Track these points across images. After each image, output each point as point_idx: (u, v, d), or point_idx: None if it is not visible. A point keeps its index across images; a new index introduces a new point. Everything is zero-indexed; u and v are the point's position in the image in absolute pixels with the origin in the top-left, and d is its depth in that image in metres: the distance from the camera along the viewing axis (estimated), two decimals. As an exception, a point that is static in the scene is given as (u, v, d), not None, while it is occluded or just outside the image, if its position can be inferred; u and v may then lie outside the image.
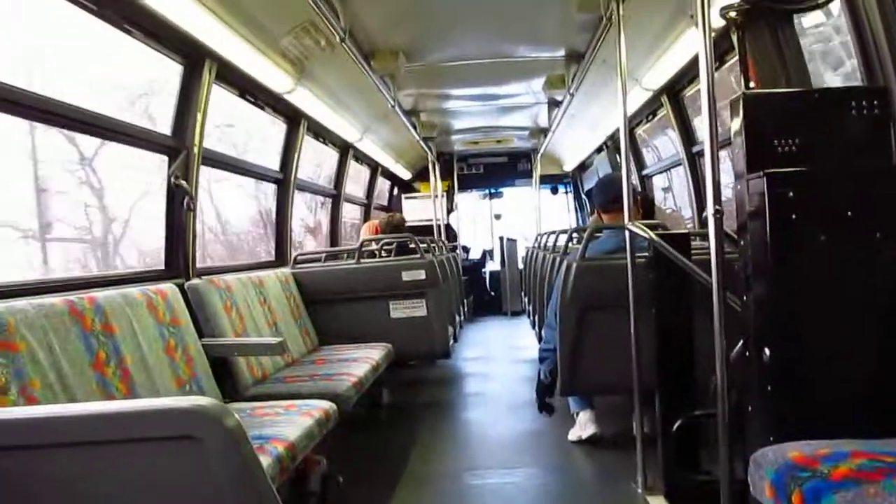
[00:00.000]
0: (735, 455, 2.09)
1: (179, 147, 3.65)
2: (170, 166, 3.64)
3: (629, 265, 3.13)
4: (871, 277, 1.83)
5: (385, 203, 10.58)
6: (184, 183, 3.61)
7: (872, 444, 1.62)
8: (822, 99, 2.02)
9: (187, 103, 3.71)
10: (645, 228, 2.85)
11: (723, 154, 3.29)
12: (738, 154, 1.94)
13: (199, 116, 3.71)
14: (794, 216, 1.79)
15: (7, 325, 2.12)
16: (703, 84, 2.08)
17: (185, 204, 3.63)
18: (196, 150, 3.70)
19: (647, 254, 2.97)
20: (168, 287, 3.18)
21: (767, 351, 1.82)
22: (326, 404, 2.99)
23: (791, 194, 1.78)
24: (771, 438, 1.76)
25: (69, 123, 2.98)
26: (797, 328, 1.82)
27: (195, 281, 3.55)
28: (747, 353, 1.96)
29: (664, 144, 6.88)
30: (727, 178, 2.46)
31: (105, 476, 1.63)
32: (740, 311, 2.03)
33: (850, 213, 1.80)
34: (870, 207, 1.81)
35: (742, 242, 1.95)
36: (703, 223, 5.22)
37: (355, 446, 4.14)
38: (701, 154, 5.36)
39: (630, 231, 3.04)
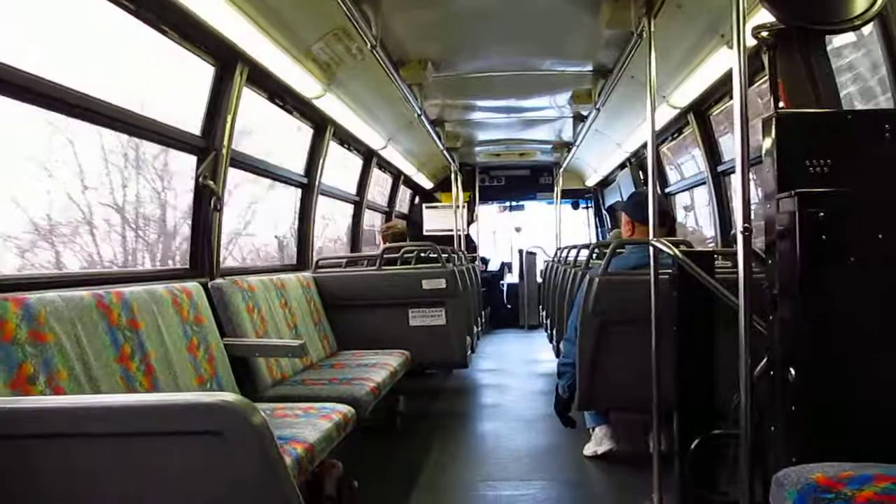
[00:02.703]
0: (755, 476, 2.08)
1: (208, 147, 3.70)
2: (198, 166, 3.69)
3: (652, 281, 3.12)
4: None
5: (406, 212, 10.62)
6: (211, 183, 3.65)
7: (897, 469, 1.60)
8: (854, 120, 2.01)
9: (217, 105, 3.76)
10: (670, 245, 2.85)
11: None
12: (769, 173, 1.94)
13: (229, 118, 3.75)
14: (823, 237, 1.78)
15: (38, 316, 2.16)
16: (735, 103, 2.08)
17: (211, 204, 3.67)
18: (225, 151, 3.74)
19: (669, 271, 2.97)
20: (193, 286, 3.21)
21: (793, 371, 1.81)
22: (345, 408, 3.00)
23: (822, 214, 1.77)
24: (794, 459, 1.75)
25: (103, 120, 3.02)
26: (823, 350, 1.81)
27: (219, 280, 3.58)
28: (771, 373, 1.95)
29: (686, 162, 6.87)
30: (752, 198, 2.45)
31: (129, 468, 1.65)
32: (764, 331, 2.02)
33: (880, 236, 1.79)
34: None
35: (770, 262, 1.95)
36: (727, 242, 5.21)
37: (371, 452, 4.15)
38: (725, 173, 5.35)
39: (654, 247, 3.04)
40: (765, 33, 2.19)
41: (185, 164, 3.84)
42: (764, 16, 2.10)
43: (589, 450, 4.03)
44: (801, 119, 1.99)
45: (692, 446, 2.73)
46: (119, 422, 1.61)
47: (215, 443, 1.55)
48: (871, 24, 2.48)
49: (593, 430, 4.05)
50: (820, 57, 2.36)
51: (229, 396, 1.57)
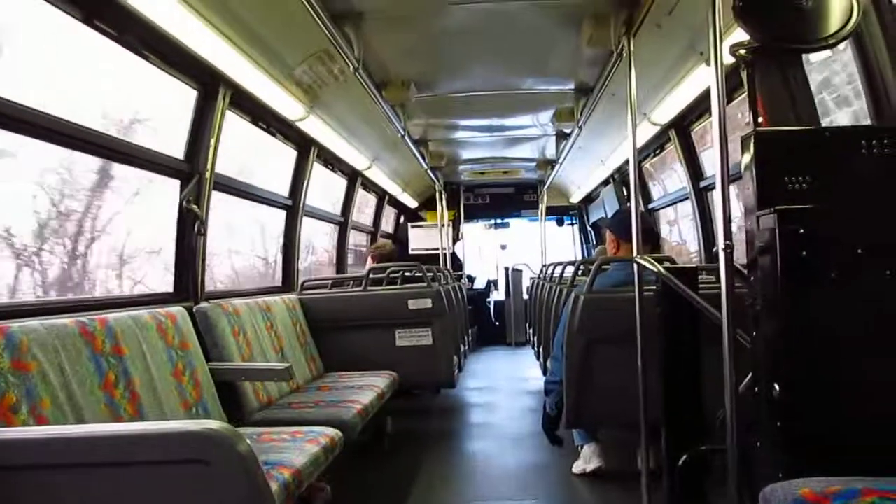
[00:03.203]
0: (742, 491, 2.08)
1: (192, 172, 3.69)
2: (181, 190, 3.68)
3: (637, 298, 3.13)
4: (881, 315, 1.83)
5: (391, 231, 10.61)
6: (195, 207, 3.64)
7: (883, 482, 1.61)
8: (832, 137, 2.04)
9: (201, 128, 3.75)
10: (653, 262, 2.86)
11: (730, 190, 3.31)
12: (749, 190, 1.96)
13: (213, 142, 3.75)
14: (804, 253, 1.80)
15: (20, 345, 2.14)
16: (714, 121, 2.11)
17: (195, 228, 3.66)
18: (208, 174, 3.74)
19: (654, 287, 2.98)
20: (177, 310, 3.19)
21: (777, 387, 1.82)
22: (332, 431, 2.98)
23: (802, 231, 1.79)
24: (780, 475, 1.76)
25: (84, 146, 3.01)
26: (807, 365, 1.82)
27: (204, 304, 3.57)
28: (756, 389, 1.96)
29: (669, 178, 6.91)
30: (735, 213, 2.47)
31: (114, 498, 1.63)
32: (749, 346, 2.04)
33: (860, 251, 1.81)
34: (880, 246, 1.82)
35: (752, 278, 1.96)
36: (711, 258, 5.24)
37: (359, 474, 4.13)
38: (708, 188, 5.40)
39: (638, 264, 3.05)
40: (742, 51, 2.21)
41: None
42: (742, 34, 2.12)
43: (578, 468, 4.03)
44: (780, 136, 2.01)
45: (680, 462, 2.73)
46: (104, 452, 1.60)
47: (201, 471, 1.54)
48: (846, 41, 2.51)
49: (581, 448, 4.04)
50: (797, 73, 2.39)
51: (214, 424, 1.56)
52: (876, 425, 1.81)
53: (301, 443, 2.75)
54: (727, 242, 2.05)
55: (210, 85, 3.73)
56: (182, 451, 1.57)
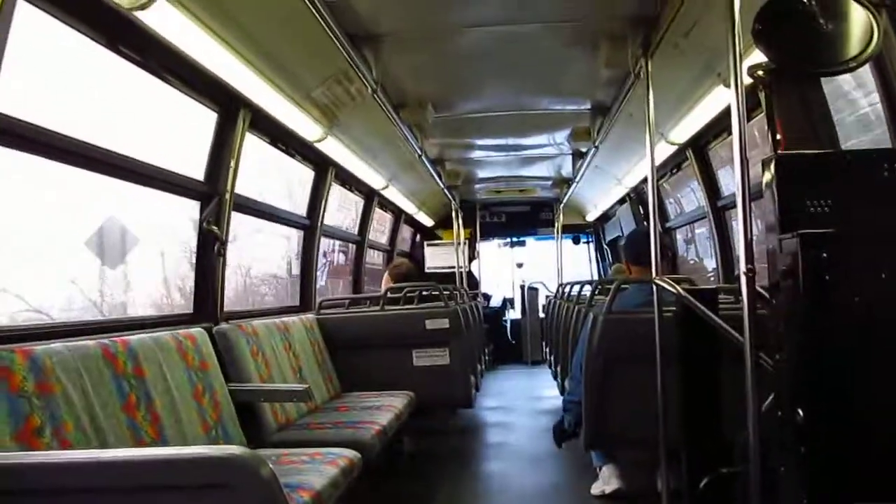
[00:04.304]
0: (765, 516, 2.07)
1: (212, 193, 3.72)
2: (202, 211, 3.71)
3: (657, 319, 3.12)
4: None
5: (408, 249, 10.63)
6: (215, 228, 3.67)
7: (908, 510, 1.60)
8: (854, 160, 2.03)
9: (221, 150, 3.79)
10: (673, 283, 2.85)
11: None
12: (771, 213, 1.95)
13: (233, 163, 3.78)
14: (827, 277, 1.79)
15: (44, 367, 2.16)
16: (735, 144, 2.11)
17: (216, 249, 3.68)
18: (228, 195, 3.77)
19: (673, 308, 2.97)
20: (197, 331, 3.21)
21: (801, 412, 1.81)
22: (351, 453, 2.98)
23: (825, 255, 1.78)
24: (805, 500, 1.74)
25: (104, 168, 3.04)
26: (832, 389, 1.81)
27: (223, 325, 3.58)
28: (780, 413, 1.94)
29: (686, 197, 6.90)
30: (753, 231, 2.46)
31: (137, 522, 1.64)
32: (772, 369, 2.02)
33: (883, 275, 1.80)
34: None
35: (774, 301, 1.95)
36: (729, 277, 5.21)
37: (376, 495, 4.11)
38: (726, 208, 5.38)
39: (657, 285, 3.05)
40: (761, 73, 2.22)
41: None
42: (760, 55, 2.13)
43: (597, 489, 4.00)
44: (801, 159, 2.01)
45: (701, 485, 2.71)
46: (126, 477, 1.61)
47: (224, 496, 1.55)
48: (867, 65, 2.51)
49: (600, 468, 4.01)
50: (817, 96, 2.39)
51: (237, 450, 1.57)
52: None
53: (320, 465, 2.75)
54: (749, 266, 2.05)
55: (230, 107, 3.77)
56: (204, 476, 1.58)
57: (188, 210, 3.91)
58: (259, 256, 6.17)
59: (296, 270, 5.90)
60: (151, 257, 4.65)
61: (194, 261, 3.79)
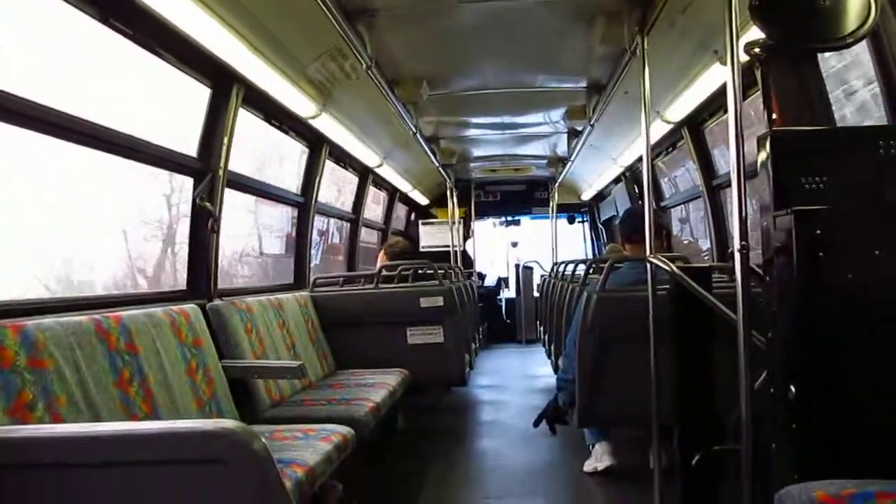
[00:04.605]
0: (756, 493, 2.08)
1: (205, 169, 3.70)
2: (195, 188, 3.69)
3: (650, 297, 3.12)
4: None
5: (402, 228, 10.62)
6: (208, 205, 3.65)
7: (899, 486, 1.60)
8: (849, 137, 2.03)
9: (214, 126, 3.76)
10: (667, 261, 2.85)
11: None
12: (765, 191, 1.95)
13: (226, 139, 3.75)
14: (821, 254, 1.79)
15: (37, 342, 2.15)
16: (730, 122, 2.10)
17: (209, 225, 3.67)
18: (221, 172, 3.74)
19: (667, 286, 2.97)
20: (191, 308, 3.21)
21: (793, 388, 1.82)
22: (345, 429, 2.99)
23: (819, 232, 1.78)
24: (795, 476, 1.75)
25: (98, 143, 3.01)
26: (824, 366, 1.81)
27: (217, 302, 3.58)
28: (772, 390, 1.95)
29: (681, 176, 6.89)
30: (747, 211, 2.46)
31: (128, 497, 1.64)
32: (764, 346, 2.03)
33: (877, 252, 1.80)
34: None
35: (768, 278, 1.95)
36: (724, 256, 5.22)
37: (370, 472, 4.13)
38: (721, 187, 5.37)
39: (651, 263, 3.05)
40: (757, 50, 2.20)
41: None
42: (757, 32, 2.11)
43: (589, 466, 4.03)
44: (796, 136, 2.00)
45: (693, 462, 2.72)
46: (118, 451, 1.60)
47: (217, 470, 1.54)
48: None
49: (593, 446, 4.04)
50: (813, 73, 2.38)
51: (230, 424, 1.56)
52: (892, 427, 1.80)
53: (314, 441, 2.76)
54: (743, 243, 2.05)
55: (223, 82, 3.73)
56: (197, 451, 1.57)
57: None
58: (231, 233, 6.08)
59: (268, 247, 5.85)
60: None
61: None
